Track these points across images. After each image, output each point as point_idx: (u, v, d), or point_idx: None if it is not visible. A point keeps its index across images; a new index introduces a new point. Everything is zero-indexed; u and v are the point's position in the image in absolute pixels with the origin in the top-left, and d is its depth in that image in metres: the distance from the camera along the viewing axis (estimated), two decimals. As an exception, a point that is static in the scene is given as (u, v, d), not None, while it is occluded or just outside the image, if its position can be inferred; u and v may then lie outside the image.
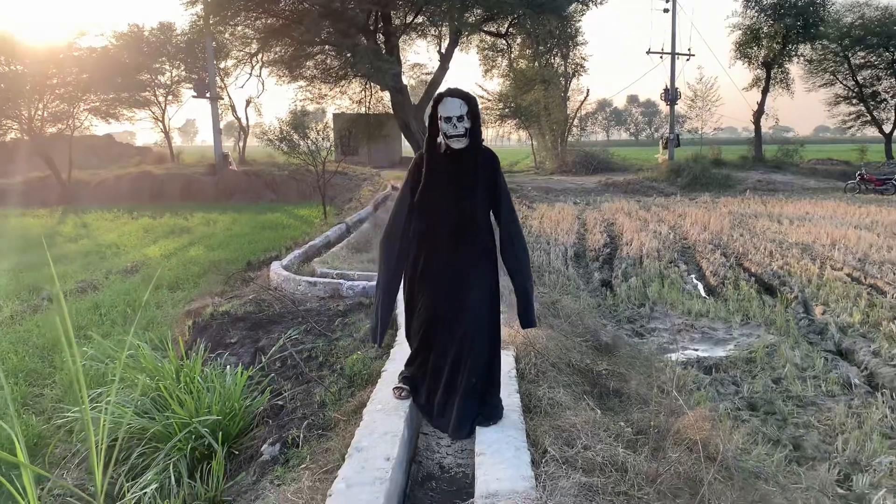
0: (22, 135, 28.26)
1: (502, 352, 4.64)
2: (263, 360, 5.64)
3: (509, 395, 3.87)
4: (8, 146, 32.90)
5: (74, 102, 28.39)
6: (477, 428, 3.57)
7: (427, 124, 3.83)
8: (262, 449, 4.26)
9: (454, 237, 3.75)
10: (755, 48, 36.23)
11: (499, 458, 3.08)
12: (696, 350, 7.66)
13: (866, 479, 4.51)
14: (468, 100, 3.66)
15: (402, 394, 3.98)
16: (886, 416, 5.61)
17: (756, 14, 35.46)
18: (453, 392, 3.73)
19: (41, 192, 27.47)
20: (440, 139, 3.72)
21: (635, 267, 12.00)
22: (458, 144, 3.68)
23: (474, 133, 3.71)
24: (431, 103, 3.68)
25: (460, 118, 3.61)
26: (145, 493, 3.94)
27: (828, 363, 6.89)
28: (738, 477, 3.74)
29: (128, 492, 3.98)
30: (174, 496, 3.87)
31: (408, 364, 4.06)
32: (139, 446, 4.53)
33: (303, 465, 3.53)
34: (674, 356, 7.21)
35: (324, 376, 5.06)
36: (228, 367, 5.25)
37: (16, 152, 32.11)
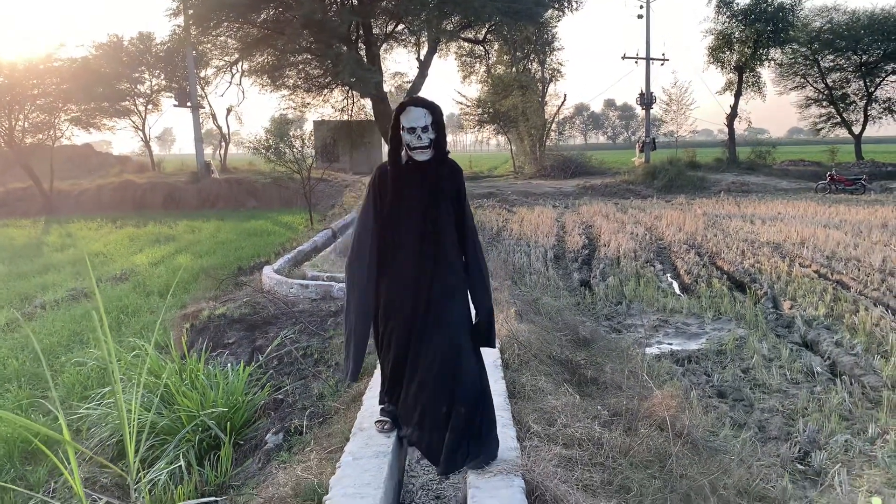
0: (2, 146, 28.22)
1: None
2: (261, 358, 5.95)
3: (495, 381, 4.21)
4: (-12, 157, 32.81)
5: (55, 113, 28.44)
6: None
7: (390, 135, 3.55)
8: (266, 438, 4.58)
9: (420, 250, 3.46)
10: (727, 53, 37.02)
11: (488, 434, 3.43)
12: (671, 344, 8.05)
13: (823, 455, 4.91)
14: (432, 109, 3.41)
15: (385, 426, 3.61)
16: (845, 401, 6.02)
17: (728, 20, 36.27)
18: (438, 427, 3.32)
19: (23, 203, 27.46)
20: (403, 151, 3.47)
21: (613, 267, 12.41)
22: (421, 157, 3.42)
23: (438, 144, 3.45)
24: (394, 113, 3.43)
25: (424, 129, 3.36)
26: (159, 480, 4.23)
27: (793, 353, 7.31)
28: (703, 452, 4.12)
29: (143, 479, 4.26)
30: (186, 482, 4.16)
31: (386, 392, 3.64)
32: (148, 439, 4.82)
33: (308, 448, 3.85)
34: (648, 350, 7.60)
35: (320, 371, 5.38)
36: (229, 364, 5.56)
37: (-5, 163, 32.06)
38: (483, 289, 3.51)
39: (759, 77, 38.22)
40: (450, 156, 3.58)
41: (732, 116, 38.35)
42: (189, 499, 3.80)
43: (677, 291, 10.71)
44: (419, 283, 3.44)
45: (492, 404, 3.41)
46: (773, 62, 38.16)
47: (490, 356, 4.75)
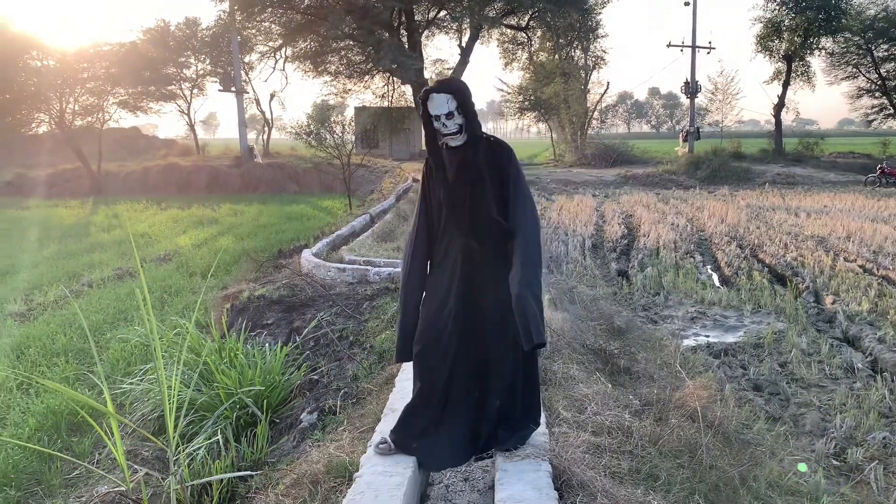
0: (53, 128, 28.99)
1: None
2: (298, 339, 6.07)
3: (527, 367, 4.24)
4: (40, 139, 33.75)
5: (103, 96, 29.09)
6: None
7: (422, 123, 3.40)
8: (301, 417, 4.68)
9: (467, 235, 3.33)
10: (776, 41, 36.13)
11: (517, 419, 3.47)
12: (707, 336, 7.98)
13: (860, 452, 4.84)
14: (454, 92, 3.19)
15: (386, 448, 3.32)
16: (885, 398, 5.91)
17: (777, 7, 35.40)
18: (460, 420, 3.28)
19: (72, 184, 28.23)
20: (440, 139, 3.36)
21: (652, 258, 12.30)
22: (454, 143, 3.28)
23: (469, 127, 3.26)
24: (420, 100, 3.27)
25: (449, 115, 3.19)
26: (197, 454, 4.36)
27: (833, 349, 7.19)
28: (735, 444, 4.10)
29: (182, 453, 4.40)
30: (223, 457, 4.29)
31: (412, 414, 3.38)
32: (188, 415, 4.96)
33: (341, 428, 3.93)
34: (685, 341, 7.55)
35: (355, 353, 5.47)
36: (267, 344, 5.68)
37: (47, 145, 32.96)
38: (518, 275, 3.12)
39: (809, 66, 37.28)
40: (489, 136, 3.38)
41: (780, 107, 37.47)
42: (226, 473, 3.91)
43: (717, 283, 10.59)
44: (465, 263, 3.32)
45: (531, 390, 3.34)
46: (823, 51, 37.13)
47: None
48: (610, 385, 4.53)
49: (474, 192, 3.31)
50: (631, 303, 9.45)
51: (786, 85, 36.83)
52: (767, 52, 36.77)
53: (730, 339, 7.85)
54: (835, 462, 4.81)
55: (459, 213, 3.33)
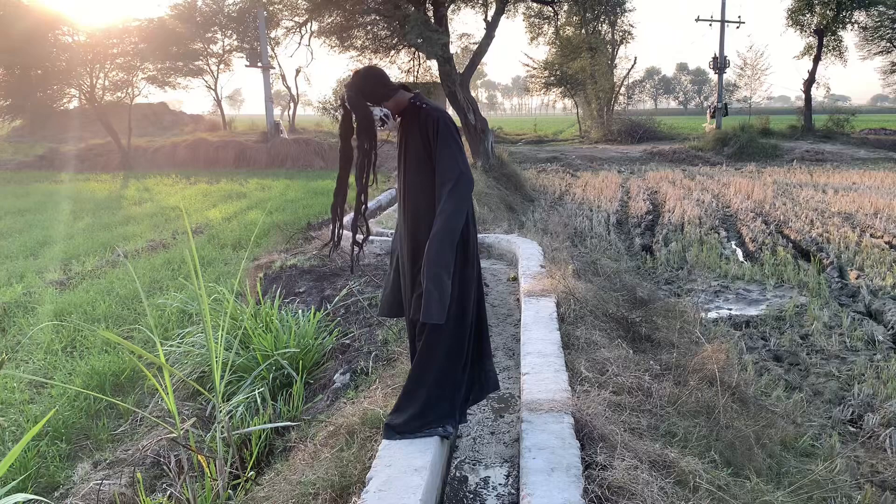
0: (83, 103, 29.40)
1: (544, 298, 5.20)
2: (329, 306, 6.29)
3: (550, 331, 4.41)
4: (70, 114, 34.25)
5: (132, 71, 29.38)
6: (522, 350, 4.14)
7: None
8: (334, 378, 4.90)
9: (402, 212, 3.57)
10: (808, 15, 35.46)
11: (540, 377, 3.65)
12: (730, 309, 8.09)
13: (876, 418, 4.96)
14: (344, 99, 3.36)
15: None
16: (905, 368, 6.01)
17: (810, -20, 34.72)
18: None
19: (102, 158, 28.69)
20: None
21: (676, 233, 12.37)
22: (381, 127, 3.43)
23: (355, 109, 3.32)
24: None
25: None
26: (236, 412, 4.60)
27: (854, 322, 7.28)
28: (752, 407, 4.25)
29: (222, 410, 4.65)
30: (261, 414, 4.52)
31: None
32: (226, 376, 5.21)
33: (373, 386, 4.14)
34: (707, 314, 7.66)
35: (384, 320, 5.67)
36: (300, 311, 5.91)
37: (78, 120, 33.47)
38: (428, 247, 3.11)
39: (841, 41, 36.54)
40: (424, 107, 3.35)
41: (810, 82, 36.88)
42: (266, 424, 4.14)
43: (740, 258, 10.65)
44: (400, 248, 3.60)
45: (444, 369, 3.23)
46: (856, 25, 36.38)
47: (546, 309, 4.95)
48: (631, 350, 4.68)
49: (404, 166, 3.45)
50: (654, 276, 9.56)
51: (817, 60, 36.21)
52: (798, 27, 36.11)
53: (752, 311, 7.95)
54: (851, 428, 4.94)
55: (399, 178, 3.54)
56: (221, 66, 38.95)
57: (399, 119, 3.42)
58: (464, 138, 13.15)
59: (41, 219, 14.66)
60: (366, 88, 3.30)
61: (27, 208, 16.17)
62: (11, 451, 1.73)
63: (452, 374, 3.26)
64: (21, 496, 1.85)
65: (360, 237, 3.67)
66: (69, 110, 33.22)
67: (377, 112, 3.31)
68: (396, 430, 3.20)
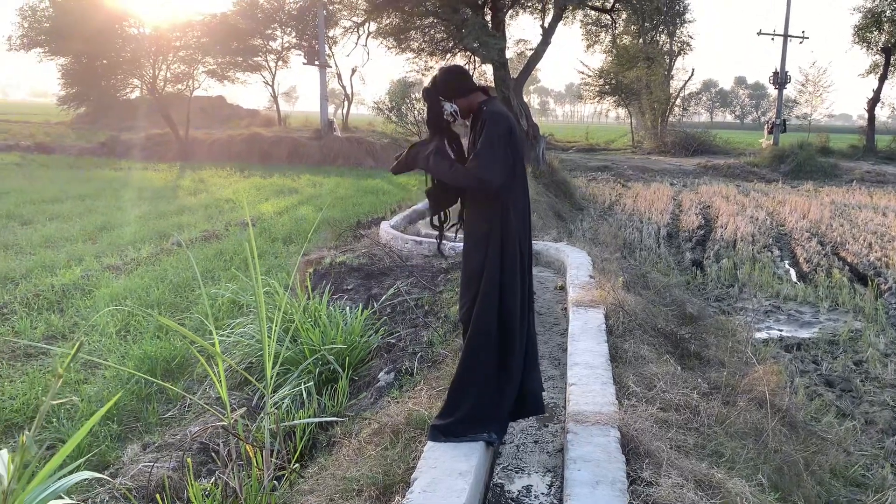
0: (145, 93, 30.20)
1: (592, 309, 5.17)
2: (376, 305, 6.34)
3: (598, 343, 4.38)
4: (132, 104, 35.23)
5: (194, 64, 30.09)
6: (569, 360, 4.12)
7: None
8: (379, 376, 4.95)
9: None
10: (875, 32, 34.49)
11: (587, 388, 3.63)
12: (781, 330, 7.92)
13: (932, 452, 4.80)
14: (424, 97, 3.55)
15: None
16: (964, 402, 5.81)
17: (880, -4, 33.77)
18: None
19: (160, 148, 29.43)
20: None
21: (728, 249, 12.15)
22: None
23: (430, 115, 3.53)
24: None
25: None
26: (283, 403, 4.67)
27: (913, 351, 7.05)
28: (801, 432, 4.16)
29: (269, 401, 4.73)
30: (307, 407, 4.59)
31: None
32: (273, 367, 5.29)
33: (418, 387, 4.17)
34: (757, 334, 7.52)
35: (430, 322, 5.70)
36: (347, 308, 5.97)
37: (139, 109, 34.40)
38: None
39: (910, 60, 35.46)
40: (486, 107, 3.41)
41: (874, 101, 35.86)
42: (312, 418, 4.20)
43: (793, 279, 10.41)
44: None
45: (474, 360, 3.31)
46: (927, 44, 35.26)
47: (594, 320, 4.92)
48: (679, 367, 4.62)
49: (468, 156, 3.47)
50: (704, 293, 9.42)
51: (883, 79, 35.19)
52: (865, 44, 35.16)
53: (803, 334, 7.77)
54: (905, 461, 4.79)
55: None
56: (279, 62, 39.59)
57: (470, 119, 3.50)
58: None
59: (100, 204, 15.11)
60: (440, 83, 3.45)
61: (88, 194, 16.68)
62: (77, 433, 1.80)
63: (496, 381, 3.29)
64: (88, 474, 1.92)
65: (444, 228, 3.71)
66: (131, 100, 34.19)
67: (447, 107, 3.41)
68: (442, 431, 3.23)
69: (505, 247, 3.33)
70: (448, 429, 3.23)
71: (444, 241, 3.92)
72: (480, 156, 3.24)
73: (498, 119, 3.33)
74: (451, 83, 3.45)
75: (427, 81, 3.54)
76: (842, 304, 8.85)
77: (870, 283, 9.71)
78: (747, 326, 7.38)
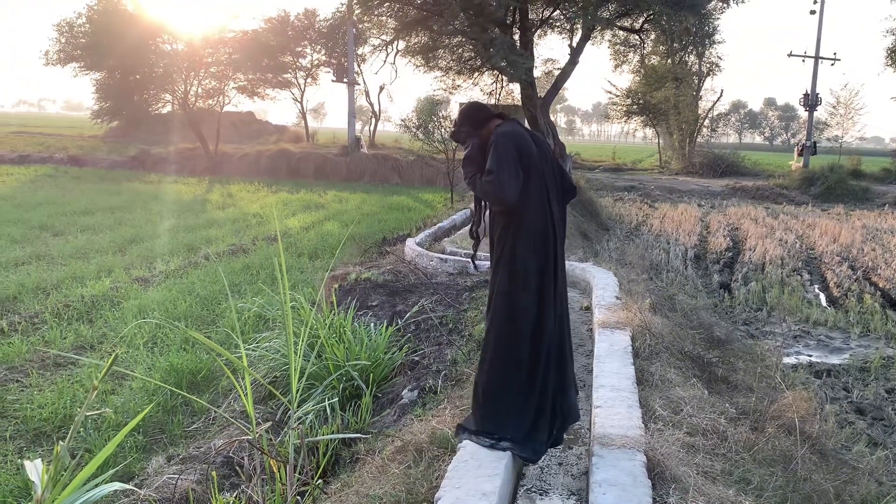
0: (176, 108, 30.69)
1: (618, 331, 5.13)
2: (400, 322, 6.35)
3: (624, 365, 4.34)
4: (163, 118, 35.82)
5: (224, 80, 30.55)
6: (594, 382, 4.09)
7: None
8: (403, 394, 4.94)
9: None
10: (909, 55, 34.07)
11: (613, 411, 3.59)
12: (810, 356, 7.79)
13: (967, 485, 4.68)
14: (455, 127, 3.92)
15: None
16: None
17: (913, 18, 33.38)
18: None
19: (190, 162, 29.86)
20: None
21: (756, 272, 12.01)
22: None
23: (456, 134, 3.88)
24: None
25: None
26: (307, 418, 4.68)
27: (947, 379, 6.90)
28: (832, 461, 4.08)
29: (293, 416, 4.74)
30: (331, 423, 4.59)
31: None
32: (298, 382, 5.31)
33: (441, 406, 4.16)
34: (786, 359, 7.40)
35: (454, 340, 5.69)
36: (372, 324, 5.99)
37: (170, 124, 34.96)
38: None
39: (944, 83, 34.97)
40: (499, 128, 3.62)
41: (907, 124, 35.35)
42: (337, 434, 4.20)
43: (823, 303, 10.25)
44: None
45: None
46: (961, 68, 34.74)
47: (620, 342, 4.88)
48: (706, 391, 4.56)
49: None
50: (732, 316, 9.31)
51: (916, 102, 34.69)
52: (899, 66, 34.71)
53: (834, 360, 7.64)
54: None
55: None
56: (308, 79, 40.03)
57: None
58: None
59: (130, 217, 15.34)
60: (460, 121, 3.83)
61: (118, 206, 16.95)
62: (107, 445, 1.82)
63: (518, 391, 3.43)
64: (118, 485, 1.95)
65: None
66: (162, 114, 34.73)
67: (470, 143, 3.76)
68: (467, 428, 3.46)
69: (514, 267, 3.46)
70: (472, 424, 3.49)
71: (478, 255, 4.09)
72: (488, 173, 3.44)
73: (503, 140, 3.50)
74: (467, 119, 3.77)
75: (455, 109, 3.75)
76: (873, 331, 8.70)
77: (902, 309, 9.53)
78: (776, 351, 7.27)
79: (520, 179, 3.41)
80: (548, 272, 3.47)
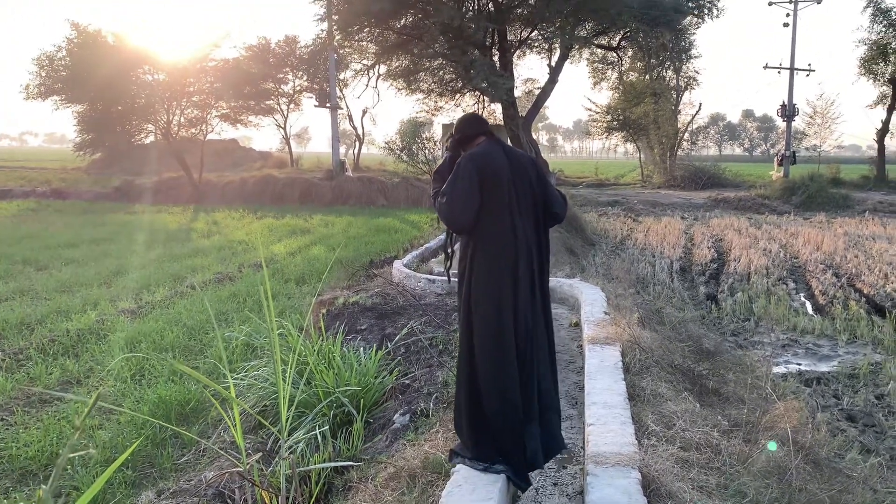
0: (159, 138, 30.63)
1: (608, 346, 5.13)
2: (390, 345, 6.32)
3: (615, 381, 4.34)
4: (146, 148, 35.73)
5: (207, 109, 30.54)
6: (587, 400, 4.08)
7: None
8: (394, 418, 4.90)
9: None
10: (882, 64, 34.63)
11: (606, 429, 3.58)
12: (799, 364, 7.82)
13: (961, 489, 4.69)
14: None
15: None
16: None
17: (884, 29, 33.95)
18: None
19: (174, 191, 29.76)
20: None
21: (742, 283, 12.07)
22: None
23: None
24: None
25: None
26: (298, 447, 4.63)
27: (935, 383, 6.94)
28: (826, 470, 4.08)
29: (284, 445, 4.69)
30: (322, 451, 4.54)
31: None
32: (288, 410, 5.26)
33: (433, 430, 4.13)
34: (775, 368, 7.42)
35: (445, 361, 5.67)
36: (361, 348, 5.96)
37: (153, 154, 34.88)
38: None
39: (917, 90, 35.54)
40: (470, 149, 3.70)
41: (883, 132, 35.87)
42: (328, 463, 4.16)
43: (810, 311, 10.31)
44: None
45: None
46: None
47: (610, 358, 4.87)
48: (698, 405, 4.56)
49: None
50: (720, 327, 9.34)
51: (891, 109, 35.25)
52: (871, 76, 35.28)
53: (823, 368, 7.67)
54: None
55: None
56: (291, 105, 40.17)
57: None
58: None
59: (115, 248, 15.23)
60: (455, 130, 3.87)
61: (102, 238, 16.83)
62: (96, 482, 1.78)
63: (502, 411, 3.26)
64: (105, 526, 1.91)
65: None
66: (145, 145, 34.64)
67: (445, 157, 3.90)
68: (458, 452, 3.42)
69: (473, 292, 3.39)
70: (462, 449, 3.43)
71: (452, 273, 3.99)
72: (442, 195, 3.49)
73: (465, 162, 3.52)
74: (461, 131, 3.83)
75: (438, 131, 3.82)
76: (860, 337, 8.75)
77: (888, 314, 9.59)
78: (765, 361, 7.29)
79: (474, 202, 3.33)
80: (506, 296, 3.29)
